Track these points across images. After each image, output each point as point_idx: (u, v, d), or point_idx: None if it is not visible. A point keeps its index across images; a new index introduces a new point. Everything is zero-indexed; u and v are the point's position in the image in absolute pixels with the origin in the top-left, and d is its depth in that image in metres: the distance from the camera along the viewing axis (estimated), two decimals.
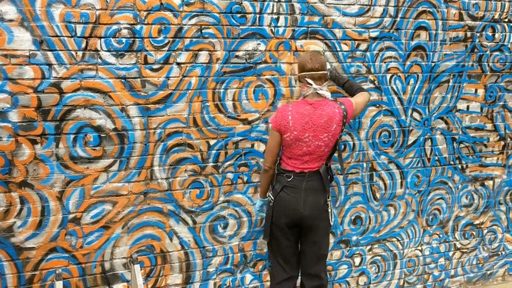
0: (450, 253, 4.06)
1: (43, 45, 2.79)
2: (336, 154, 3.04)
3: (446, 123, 3.87)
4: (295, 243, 3.03)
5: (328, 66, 3.19)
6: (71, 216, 2.98)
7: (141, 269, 3.16)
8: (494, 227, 4.19)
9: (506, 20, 3.91)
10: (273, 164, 2.98)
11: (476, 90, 3.93)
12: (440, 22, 3.70)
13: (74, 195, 2.96)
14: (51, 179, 2.90)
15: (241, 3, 3.16)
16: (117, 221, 3.08)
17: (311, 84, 2.84)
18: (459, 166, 3.97)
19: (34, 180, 2.87)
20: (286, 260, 3.02)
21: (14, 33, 2.72)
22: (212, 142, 3.23)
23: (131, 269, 2.74)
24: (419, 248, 3.94)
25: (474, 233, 4.12)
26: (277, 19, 3.26)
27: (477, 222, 4.12)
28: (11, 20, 2.71)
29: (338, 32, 3.43)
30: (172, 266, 3.25)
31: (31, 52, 2.77)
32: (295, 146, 2.85)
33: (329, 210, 2.97)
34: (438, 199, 3.94)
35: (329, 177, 2.98)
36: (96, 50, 2.90)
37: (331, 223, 3.03)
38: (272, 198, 2.96)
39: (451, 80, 3.82)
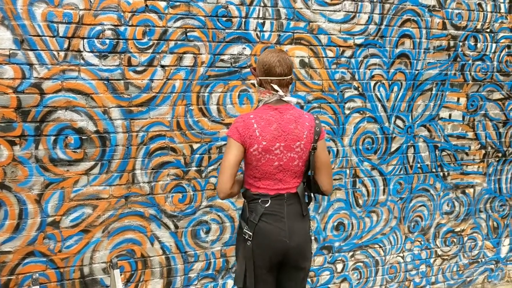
0: (431, 260, 4.08)
1: (24, 45, 2.73)
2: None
3: (429, 130, 3.90)
4: (275, 282, 2.44)
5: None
6: (49, 219, 2.91)
7: (121, 274, 3.11)
8: (474, 234, 4.23)
9: (488, 30, 3.97)
10: (230, 185, 2.31)
11: (458, 99, 3.97)
12: (424, 31, 3.74)
13: (53, 198, 2.90)
14: (30, 182, 2.84)
15: (227, 7, 3.15)
16: (97, 225, 3.02)
17: (277, 91, 2.34)
18: (441, 174, 4.00)
19: (12, 182, 2.80)
20: None
21: None
22: (195, 146, 3.19)
23: (111, 274, 2.69)
24: (401, 254, 3.95)
25: (454, 240, 4.15)
26: (263, 24, 3.25)
27: (458, 229, 4.15)
28: None
29: (324, 38, 3.43)
30: (153, 271, 3.20)
31: (11, 52, 2.71)
32: (264, 161, 2.31)
33: (312, 239, 2.52)
34: (420, 206, 3.97)
35: (306, 197, 2.49)
36: (79, 51, 2.85)
37: (311, 256, 2.51)
38: (250, 233, 2.33)
39: (434, 88, 3.86)
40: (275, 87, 2.34)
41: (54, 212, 2.92)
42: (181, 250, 3.25)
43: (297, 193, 2.39)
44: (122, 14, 2.91)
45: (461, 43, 3.89)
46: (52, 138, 2.86)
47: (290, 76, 2.39)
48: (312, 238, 2.51)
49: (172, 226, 3.21)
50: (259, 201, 2.35)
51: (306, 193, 2.48)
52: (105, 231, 3.04)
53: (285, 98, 2.37)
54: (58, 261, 2.96)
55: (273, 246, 2.33)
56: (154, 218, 3.15)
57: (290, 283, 2.44)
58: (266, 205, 2.34)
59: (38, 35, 2.76)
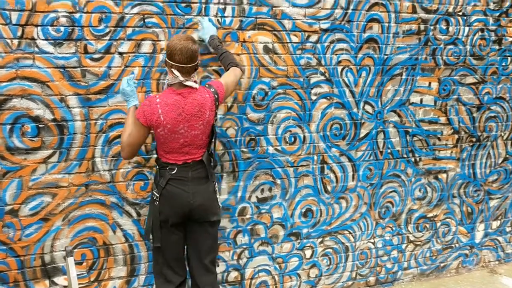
0: (403, 246, 4.08)
1: None
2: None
3: (399, 116, 3.86)
4: (184, 240, 2.85)
5: (213, 32, 3.07)
6: (8, 208, 2.91)
7: (83, 262, 3.13)
8: (447, 220, 4.21)
9: (460, 13, 3.90)
10: (132, 157, 2.79)
11: (429, 84, 3.93)
12: (392, 15, 3.68)
13: (11, 187, 2.90)
14: None
15: None
16: (57, 213, 3.02)
17: (177, 76, 2.63)
18: (412, 159, 3.98)
19: None
20: (177, 261, 2.85)
21: None
22: None
23: (66, 262, 2.70)
24: (372, 240, 3.95)
25: (427, 225, 4.14)
26: (224, 9, 3.21)
27: (430, 215, 4.14)
28: None
29: (288, 23, 3.39)
30: (116, 259, 3.21)
31: None
32: (171, 140, 2.66)
33: (218, 197, 2.87)
34: (391, 192, 3.95)
35: (212, 164, 2.85)
36: (33, 39, 2.82)
37: (220, 210, 2.93)
38: (157, 195, 2.73)
39: (404, 73, 3.81)
40: (175, 72, 2.62)
41: (13, 201, 2.92)
42: (144, 237, 3.25)
43: (202, 160, 2.76)
44: (76, 1, 2.87)
45: (432, 27, 3.84)
46: (8, 126, 2.85)
47: (192, 64, 2.64)
48: (218, 197, 2.89)
49: (134, 214, 3.21)
50: (167, 168, 2.72)
51: (211, 159, 2.84)
52: (66, 219, 3.05)
53: (187, 83, 2.64)
54: (18, 249, 2.97)
55: (177, 205, 2.71)
56: (115, 206, 3.15)
57: (201, 234, 2.82)
58: (173, 172, 2.71)
59: None
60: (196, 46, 2.66)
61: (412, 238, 4.10)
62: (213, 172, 2.84)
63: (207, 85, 2.80)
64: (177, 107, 2.62)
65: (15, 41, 2.80)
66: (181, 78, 2.62)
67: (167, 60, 2.66)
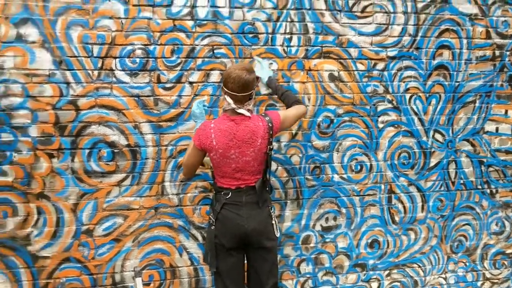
0: (479, 283, 3.83)
1: (62, 65, 2.96)
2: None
3: (473, 145, 3.69)
4: (242, 265, 2.85)
5: (271, 74, 3.14)
6: (84, 227, 3.10)
7: (150, 283, 3.23)
8: None
9: None
10: (189, 176, 2.93)
11: (506, 111, 3.73)
12: (464, 41, 3.57)
13: (87, 208, 3.09)
14: (66, 192, 3.05)
15: (254, 23, 3.21)
16: (128, 235, 3.17)
17: (230, 103, 2.68)
18: (488, 191, 3.76)
19: (50, 192, 3.02)
20: (236, 283, 2.81)
21: (36, 54, 2.92)
22: None
23: (134, 282, 2.80)
24: (443, 276, 3.74)
25: (506, 263, 3.87)
26: (290, 39, 3.28)
27: (509, 251, 3.86)
28: (33, 42, 2.91)
29: (354, 52, 3.39)
30: (181, 282, 3.29)
31: (50, 72, 2.95)
32: (223, 164, 2.71)
33: (273, 223, 2.82)
34: (464, 225, 3.75)
35: (267, 189, 2.84)
36: (111, 70, 3.04)
37: (277, 236, 2.84)
38: (213, 219, 2.77)
39: (477, 101, 3.66)
40: (228, 99, 2.69)
41: (88, 221, 3.10)
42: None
43: (255, 186, 2.76)
44: (151, 34, 3.07)
45: (508, 53, 3.67)
46: (87, 151, 3.06)
47: (244, 94, 2.67)
48: (274, 222, 2.83)
49: (200, 238, 3.28)
50: (222, 193, 2.77)
51: (267, 185, 2.84)
52: (136, 241, 3.18)
53: (239, 111, 2.69)
54: (92, 268, 3.14)
55: (232, 229, 2.74)
56: (182, 229, 3.25)
57: (256, 260, 2.81)
58: (228, 197, 2.76)
59: (75, 56, 2.98)
60: (252, 77, 2.67)
61: (488, 275, 3.85)
62: (267, 198, 2.84)
63: (262, 114, 2.82)
64: (229, 133, 2.67)
65: (96, 72, 3.02)
66: (233, 106, 2.67)
67: (222, 86, 2.73)
